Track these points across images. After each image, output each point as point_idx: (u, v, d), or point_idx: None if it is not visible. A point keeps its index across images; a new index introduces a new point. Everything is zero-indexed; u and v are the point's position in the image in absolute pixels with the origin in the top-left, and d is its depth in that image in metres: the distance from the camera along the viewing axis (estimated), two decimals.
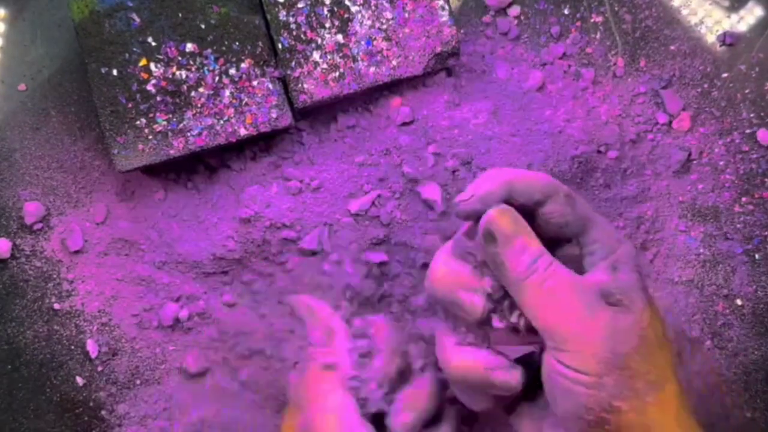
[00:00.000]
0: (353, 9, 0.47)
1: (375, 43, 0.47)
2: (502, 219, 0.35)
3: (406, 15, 0.47)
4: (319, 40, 0.47)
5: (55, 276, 0.50)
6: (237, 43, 0.47)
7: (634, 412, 0.34)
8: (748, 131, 0.50)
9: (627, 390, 0.34)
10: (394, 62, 0.48)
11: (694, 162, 0.51)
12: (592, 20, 0.52)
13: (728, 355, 0.50)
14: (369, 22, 0.47)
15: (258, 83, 0.47)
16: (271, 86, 0.48)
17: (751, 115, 0.50)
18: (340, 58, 0.47)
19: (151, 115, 0.47)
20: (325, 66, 0.47)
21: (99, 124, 0.47)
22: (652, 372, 0.34)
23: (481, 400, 0.39)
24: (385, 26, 0.47)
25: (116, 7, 0.47)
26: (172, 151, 0.47)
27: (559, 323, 0.34)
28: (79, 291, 0.50)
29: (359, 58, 0.47)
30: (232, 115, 0.47)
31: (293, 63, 0.47)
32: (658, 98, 0.51)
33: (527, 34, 0.52)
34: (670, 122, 0.51)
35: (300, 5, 0.47)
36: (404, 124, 0.50)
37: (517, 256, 0.35)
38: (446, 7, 0.48)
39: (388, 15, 0.47)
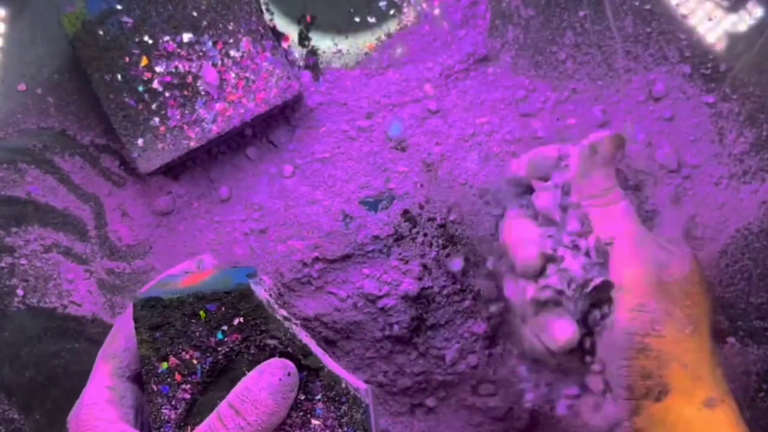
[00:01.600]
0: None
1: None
2: (613, 142, 0.39)
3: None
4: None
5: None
6: (232, 24, 0.47)
7: (673, 339, 0.36)
8: None
9: (667, 315, 0.36)
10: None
11: None
12: None
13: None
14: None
15: (260, 59, 0.48)
16: (273, 59, 0.48)
17: None
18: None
19: (163, 112, 0.47)
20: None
21: (114, 131, 0.48)
22: (692, 308, 0.37)
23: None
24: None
25: (106, 13, 0.47)
26: (191, 143, 0.48)
27: (616, 244, 0.37)
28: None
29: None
30: (241, 96, 0.48)
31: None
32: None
33: None
34: None
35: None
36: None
37: (603, 177, 0.39)
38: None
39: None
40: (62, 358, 0.51)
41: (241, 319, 0.36)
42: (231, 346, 0.36)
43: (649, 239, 0.38)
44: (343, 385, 0.36)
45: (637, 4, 0.51)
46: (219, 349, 0.36)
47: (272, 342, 0.36)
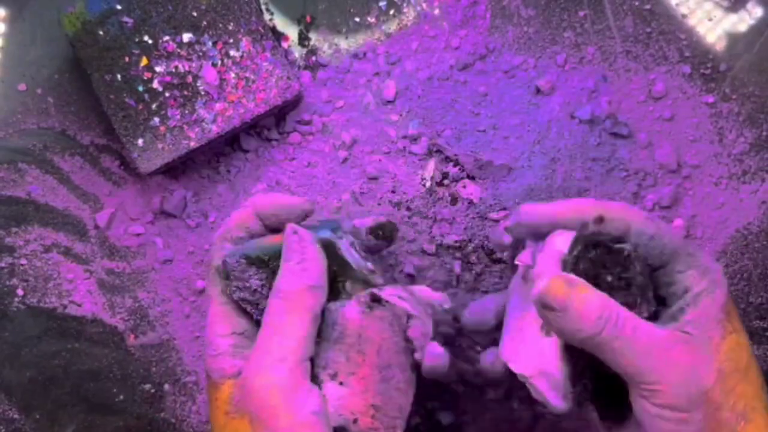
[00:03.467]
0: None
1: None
2: (553, 287, 0.34)
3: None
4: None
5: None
6: (232, 24, 0.47)
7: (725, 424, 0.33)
8: None
9: (715, 422, 0.33)
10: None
11: None
12: None
13: None
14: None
15: (260, 59, 0.48)
16: (273, 59, 0.48)
17: None
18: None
19: (163, 112, 0.47)
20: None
21: (114, 131, 0.48)
22: (738, 403, 0.34)
23: None
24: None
25: (106, 13, 0.47)
26: (191, 143, 0.48)
27: (640, 370, 0.33)
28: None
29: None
30: (241, 96, 0.48)
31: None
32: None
33: None
34: None
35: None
36: None
37: (580, 318, 0.34)
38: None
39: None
40: (62, 358, 0.51)
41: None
42: None
43: (673, 345, 0.34)
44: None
45: (637, 4, 0.51)
46: None
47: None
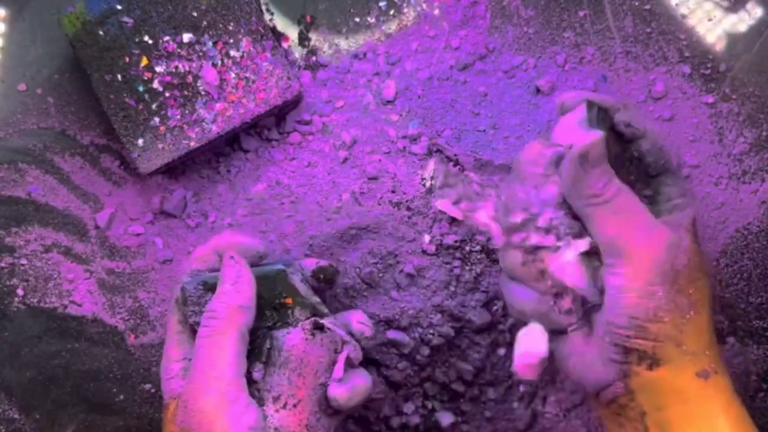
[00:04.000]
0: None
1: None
2: (597, 145, 0.38)
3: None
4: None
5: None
6: (232, 24, 0.47)
7: (673, 325, 0.37)
8: None
9: (672, 302, 0.37)
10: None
11: None
12: None
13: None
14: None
15: (260, 59, 0.48)
16: (273, 59, 0.48)
17: None
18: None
19: (163, 112, 0.47)
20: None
21: (114, 131, 0.48)
22: (694, 293, 0.38)
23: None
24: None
25: (106, 13, 0.47)
26: (192, 143, 0.48)
27: (623, 235, 0.37)
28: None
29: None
30: (241, 96, 0.48)
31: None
32: None
33: None
34: None
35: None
36: None
37: (598, 175, 0.38)
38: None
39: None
40: (62, 358, 0.51)
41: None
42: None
43: (660, 224, 0.38)
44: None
45: (637, 4, 0.51)
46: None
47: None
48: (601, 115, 0.40)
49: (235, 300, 0.40)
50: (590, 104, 0.40)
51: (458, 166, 0.50)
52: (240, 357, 0.39)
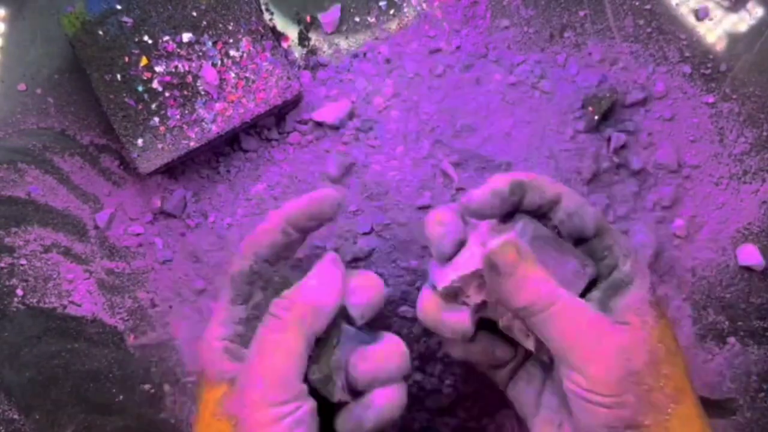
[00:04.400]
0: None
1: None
2: (505, 250, 0.35)
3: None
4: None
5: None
6: (232, 24, 0.47)
7: (658, 426, 0.34)
8: None
9: (648, 405, 0.34)
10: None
11: None
12: None
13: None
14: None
15: (260, 59, 0.48)
16: (273, 59, 0.48)
17: None
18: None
19: (162, 112, 0.47)
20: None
21: (114, 131, 0.48)
22: (668, 385, 0.35)
23: (454, 346, 0.41)
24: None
25: (106, 13, 0.47)
26: (191, 143, 0.48)
27: (571, 348, 0.34)
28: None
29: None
30: (241, 96, 0.48)
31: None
32: None
33: None
34: None
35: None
36: None
37: (521, 286, 0.35)
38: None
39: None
40: (62, 358, 0.51)
41: None
42: None
43: (606, 326, 0.35)
44: None
45: (637, 3, 0.51)
46: None
47: None
48: (510, 200, 0.37)
49: (316, 298, 0.37)
50: (493, 193, 0.37)
51: (459, 166, 0.50)
52: (304, 358, 0.36)
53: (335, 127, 0.51)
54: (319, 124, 0.51)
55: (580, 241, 0.39)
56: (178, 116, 0.47)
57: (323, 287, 0.37)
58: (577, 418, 0.35)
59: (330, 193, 0.40)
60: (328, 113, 0.50)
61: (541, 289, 0.35)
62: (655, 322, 0.35)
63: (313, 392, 0.36)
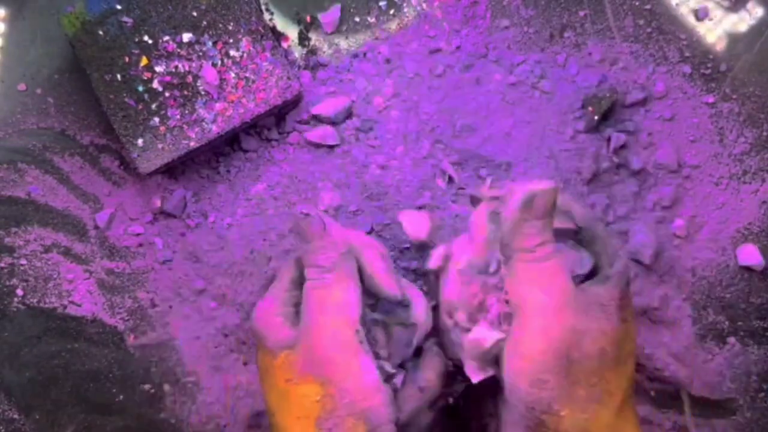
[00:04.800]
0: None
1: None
2: (546, 195, 0.35)
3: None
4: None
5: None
6: (232, 24, 0.47)
7: (572, 420, 0.34)
8: None
9: (567, 396, 0.34)
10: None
11: None
12: None
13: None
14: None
15: (260, 59, 0.48)
16: (273, 59, 0.48)
17: None
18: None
19: (162, 112, 0.47)
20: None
21: (114, 131, 0.48)
22: (600, 387, 0.34)
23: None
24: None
25: (106, 13, 0.47)
26: (191, 143, 0.47)
27: (533, 303, 0.35)
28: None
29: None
30: (241, 96, 0.48)
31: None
32: None
33: None
34: None
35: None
36: None
37: (538, 229, 0.36)
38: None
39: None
40: (62, 358, 0.51)
41: None
42: None
43: (572, 306, 0.35)
44: None
45: (637, 3, 0.51)
46: None
47: None
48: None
49: (349, 236, 0.40)
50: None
51: (459, 165, 0.50)
52: (360, 305, 0.38)
53: (334, 122, 0.51)
54: (319, 120, 0.51)
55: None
56: (178, 116, 0.47)
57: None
58: (506, 399, 0.36)
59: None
60: (327, 107, 0.50)
61: (551, 241, 0.36)
62: (615, 324, 0.35)
63: None
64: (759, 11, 0.51)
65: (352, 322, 0.37)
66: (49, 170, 0.51)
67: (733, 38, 0.51)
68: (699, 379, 0.50)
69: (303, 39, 0.52)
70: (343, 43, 0.52)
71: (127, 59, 0.47)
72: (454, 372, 0.41)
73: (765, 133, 0.50)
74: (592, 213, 0.41)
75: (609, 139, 0.50)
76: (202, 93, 0.47)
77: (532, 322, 0.35)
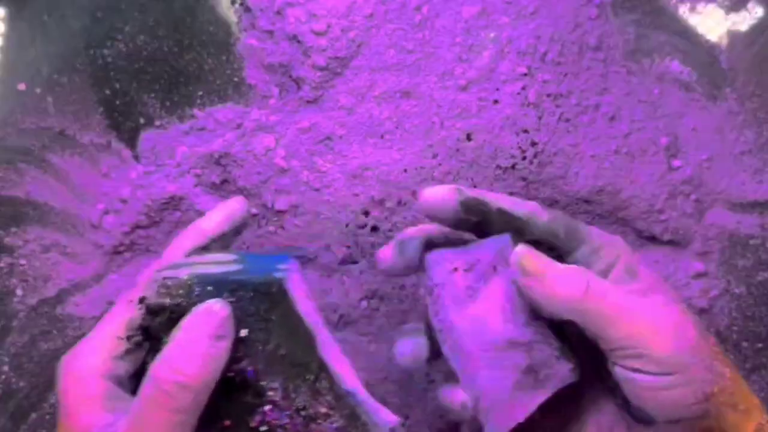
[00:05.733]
0: None
1: None
2: (525, 252, 0.34)
3: None
4: None
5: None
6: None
7: (724, 393, 0.33)
8: None
9: (711, 374, 0.33)
10: None
11: None
12: None
13: None
14: None
15: None
16: None
17: None
18: None
19: None
20: None
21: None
22: (714, 351, 0.34)
23: None
24: None
25: None
26: None
27: (632, 329, 0.33)
28: None
29: None
30: None
31: None
32: None
33: None
34: None
35: None
36: None
37: (564, 280, 0.34)
38: None
39: None
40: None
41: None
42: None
43: (651, 305, 0.34)
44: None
45: (637, 3, 0.51)
46: None
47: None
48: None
49: (180, 374, 0.29)
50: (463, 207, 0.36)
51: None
52: None
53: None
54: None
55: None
56: None
57: (191, 353, 0.29)
58: (645, 410, 0.34)
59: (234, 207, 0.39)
60: None
61: (583, 277, 0.34)
62: (678, 297, 0.35)
63: None
64: (759, 11, 0.51)
65: None
66: (49, 170, 0.51)
67: (733, 38, 0.51)
68: None
69: None
70: None
71: None
72: None
73: (765, 133, 0.51)
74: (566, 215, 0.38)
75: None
76: None
77: (645, 344, 0.33)
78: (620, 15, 0.51)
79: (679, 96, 0.51)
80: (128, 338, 0.33)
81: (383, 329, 0.50)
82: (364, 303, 0.50)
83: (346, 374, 0.33)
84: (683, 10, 0.52)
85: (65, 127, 0.51)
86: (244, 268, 0.33)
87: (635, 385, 0.33)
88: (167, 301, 0.31)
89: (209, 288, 0.31)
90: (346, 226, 0.49)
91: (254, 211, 0.49)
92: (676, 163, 0.50)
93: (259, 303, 0.31)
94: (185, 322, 0.30)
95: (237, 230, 0.39)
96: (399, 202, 0.49)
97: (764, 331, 0.50)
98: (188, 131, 0.50)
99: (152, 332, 0.32)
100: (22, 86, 0.51)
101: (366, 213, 0.49)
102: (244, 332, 0.31)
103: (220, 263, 0.34)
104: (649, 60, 0.51)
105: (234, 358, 0.30)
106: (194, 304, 0.31)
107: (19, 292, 0.50)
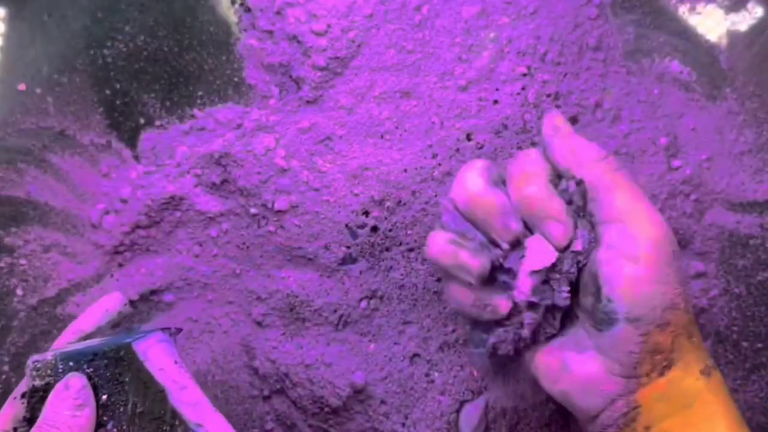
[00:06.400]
0: None
1: None
2: (562, 116, 0.38)
3: None
4: None
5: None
6: None
7: (685, 312, 0.34)
8: None
9: (680, 285, 0.34)
10: None
11: None
12: None
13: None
14: None
15: None
16: None
17: None
18: None
19: None
20: None
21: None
22: (684, 276, 0.35)
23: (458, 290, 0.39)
24: None
25: None
26: None
27: (635, 204, 0.34)
28: None
29: None
30: None
31: None
32: None
33: None
34: None
35: None
36: None
37: (587, 144, 0.37)
38: None
39: None
40: None
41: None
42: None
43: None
44: None
45: (637, 4, 0.51)
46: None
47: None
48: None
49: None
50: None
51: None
52: None
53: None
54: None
55: None
56: None
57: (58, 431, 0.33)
58: (615, 301, 0.34)
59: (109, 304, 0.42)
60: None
61: (600, 149, 0.37)
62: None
63: None
64: (759, 11, 0.51)
65: None
66: (49, 170, 0.51)
67: (733, 38, 0.51)
68: None
69: None
70: None
71: None
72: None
73: (765, 133, 0.51)
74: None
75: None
76: None
77: (641, 221, 0.34)
78: (620, 15, 0.51)
79: (678, 96, 0.51)
80: (14, 430, 0.35)
81: (383, 329, 0.50)
82: (364, 303, 0.50)
83: (196, 413, 0.35)
84: (683, 10, 0.52)
85: (65, 127, 0.51)
86: (105, 341, 0.38)
87: (618, 274, 0.34)
88: (38, 382, 0.35)
89: (71, 363, 0.35)
90: (346, 226, 0.49)
91: (254, 211, 0.49)
92: (675, 163, 0.50)
93: (113, 368, 0.35)
94: (49, 398, 0.34)
95: (115, 323, 0.42)
96: (399, 202, 0.49)
97: (764, 331, 0.50)
98: (188, 131, 0.50)
99: (34, 417, 0.34)
100: (22, 86, 0.51)
101: (366, 213, 0.49)
102: (104, 397, 0.34)
103: (88, 339, 0.40)
104: (649, 60, 0.51)
105: (99, 423, 0.34)
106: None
107: (19, 292, 0.50)
